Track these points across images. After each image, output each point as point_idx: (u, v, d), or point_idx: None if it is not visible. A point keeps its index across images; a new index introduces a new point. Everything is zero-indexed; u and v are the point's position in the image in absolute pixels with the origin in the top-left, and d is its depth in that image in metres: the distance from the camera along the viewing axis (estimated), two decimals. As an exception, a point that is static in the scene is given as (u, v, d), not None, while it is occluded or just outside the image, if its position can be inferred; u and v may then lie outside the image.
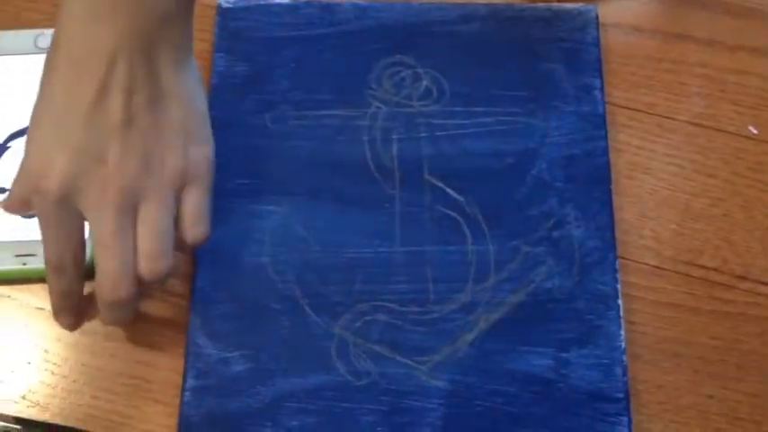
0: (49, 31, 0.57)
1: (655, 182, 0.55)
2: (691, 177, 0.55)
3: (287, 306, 0.51)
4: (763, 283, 0.52)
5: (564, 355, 0.49)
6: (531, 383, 0.49)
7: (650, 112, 0.56)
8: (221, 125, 0.54)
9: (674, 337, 0.52)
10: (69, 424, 0.50)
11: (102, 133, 0.44)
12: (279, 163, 0.54)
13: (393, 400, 0.49)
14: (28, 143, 0.45)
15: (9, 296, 0.53)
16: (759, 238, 0.53)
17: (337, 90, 0.55)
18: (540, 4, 0.57)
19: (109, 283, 0.45)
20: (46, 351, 0.51)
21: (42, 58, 0.57)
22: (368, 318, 0.51)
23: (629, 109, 0.56)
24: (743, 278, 0.53)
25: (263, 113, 0.55)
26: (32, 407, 0.50)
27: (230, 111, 0.55)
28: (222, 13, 0.57)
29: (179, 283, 0.52)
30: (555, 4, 0.57)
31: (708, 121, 0.56)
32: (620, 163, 0.55)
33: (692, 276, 0.53)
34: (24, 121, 0.55)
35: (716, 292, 0.52)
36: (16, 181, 0.46)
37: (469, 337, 0.50)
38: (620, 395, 0.49)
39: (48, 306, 0.52)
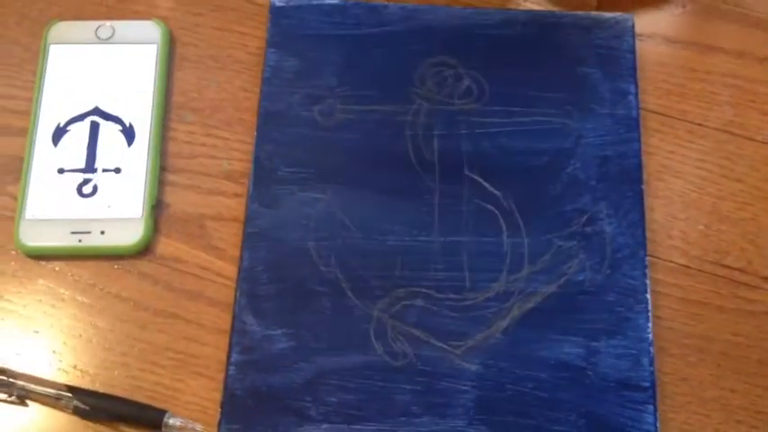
0: (109, 23, 0.60)
1: (684, 185, 0.57)
2: (719, 182, 0.57)
3: (328, 289, 0.53)
4: (786, 285, 0.55)
5: (594, 344, 0.52)
6: (562, 370, 0.51)
7: (682, 118, 0.59)
8: (272, 116, 0.57)
9: (699, 332, 0.54)
10: (117, 394, 0.52)
11: None
12: (325, 154, 0.56)
13: (428, 380, 0.51)
14: None
15: (63, 272, 0.55)
16: (784, 242, 0.56)
17: (382, 87, 0.58)
18: (580, 13, 0.60)
19: None
20: (96, 325, 0.54)
21: (102, 47, 0.60)
22: (406, 302, 0.53)
23: (661, 115, 0.59)
24: (767, 279, 0.55)
25: (311, 107, 0.57)
26: (83, 376, 0.53)
27: (281, 103, 0.57)
28: (275, 11, 0.60)
29: (226, 265, 0.55)
30: (594, 13, 0.60)
31: (737, 129, 0.58)
32: (651, 165, 0.57)
33: (717, 276, 0.55)
34: (83, 108, 0.58)
35: (740, 292, 0.54)
36: None
37: (503, 324, 0.52)
38: (647, 384, 0.51)
39: (99, 282, 0.55)
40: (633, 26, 0.59)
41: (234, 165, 0.58)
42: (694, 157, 0.58)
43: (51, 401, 0.52)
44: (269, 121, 0.57)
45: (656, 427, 0.50)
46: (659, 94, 0.59)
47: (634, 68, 0.58)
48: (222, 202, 0.57)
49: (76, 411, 0.51)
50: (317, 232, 0.54)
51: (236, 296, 0.53)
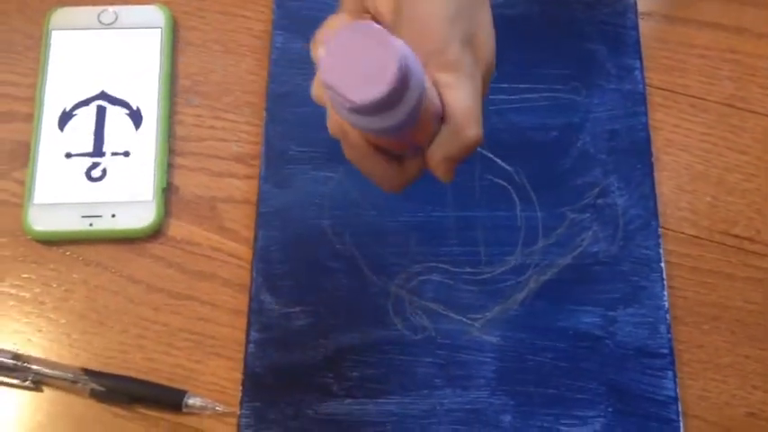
0: (112, 8, 0.60)
1: (690, 158, 0.58)
2: (724, 154, 0.58)
3: (345, 265, 0.53)
4: (794, 252, 0.55)
5: (611, 313, 0.52)
6: (580, 340, 0.51)
7: (685, 93, 0.59)
8: (281, 97, 0.57)
9: (713, 301, 0.54)
10: (134, 376, 0.52)
11: None
12: (336, 132, 0.56)
13: (448, 353, 0.51)
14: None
15: (75, 256, 0.55)
16: (790, 211, 0.56)
17: (390, 67, 0.58)
18: (582, -9, 0.61)
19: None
20: (108, 308, 0.53)
21: (105, 32, 0.60)
22: (422, 278, 0.53)
23: (665, 90, 0.59)
24: (775, 247, 0.56)
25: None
26: (98, 360, 0.52)
27: (289, 84, 0.57)
28: (279, -7, 0.60)
29: (238, 246, 0.55)
30: (595, -9, 0.61)
31: (739, 102, 0.59)
32: (657, 140, 0.58)
33: (727, 245, 0.56)
34: (88, 92, 0.58)
35: (750, 260, 0.55)
36: None
37: (520, 296, 0.53)
38: (665, 351, 0.51)
39: (112, 266, 0.54)
40: (636, 3, 0.60)
41: (243, 147, 0.57)
42: (699, 131, 0.59)
43: (67, 385, 0.51)
44: (278, 103, 0.57)
45: (676, 393, 0.50)
46: (662, 70, 0.60)
47: (638, 44, 0.59)
48: (233, 183, 0.57)
49: (93, 394, 0.51)
50: (331, 210, 0.54)
51: (252, 276, 0.53)
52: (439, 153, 0.41)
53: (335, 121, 0.42)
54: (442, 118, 0.40)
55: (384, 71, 0.35)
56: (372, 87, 0.35)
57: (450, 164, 0.41)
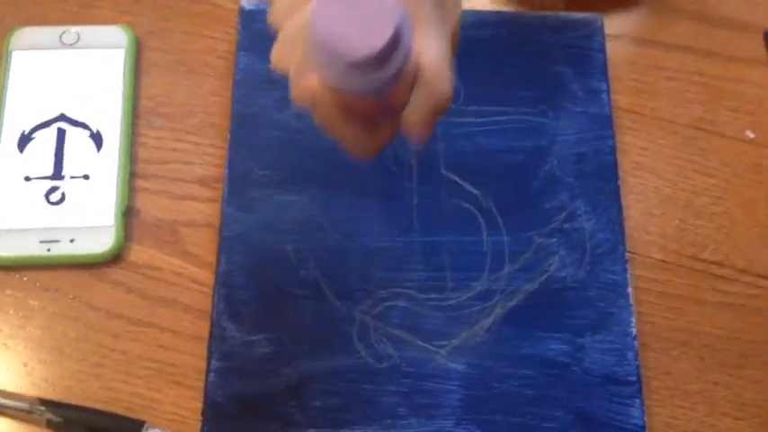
0: (75, 28, 0.59)
1: (658, 181, 0.57)
2: (692, 177, 0.58)
3: (309, 291, 0.52)
4: (763, 277, 0.55)
5: (578, 340, 0.51)
6: (547, 367, 0.51)
7: (653, 116, 0.59)
8: (245, 119, 0.56)
9: (681, 326, 0.54)
10: (92, 406, 0.50)
11: None
12: (300, 156, 0.55)
13: (413, 382, 0.50)
14: None
15: (32, 281, 0.53)
16: (758, 235, 0.56)
17: (356, 89, 0.57)
18: (549, 13, 0.60)
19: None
20: (67, 335, 0.52)
21: (66, 53, 0.59)
22: (388, 303, 0.52)
23: (633, 113, 0.59)
24: (744, 272, 0.55)
25: (285, 109, 0.56)
26: (55, 389, 0.51)
27: (254, 106, 0.56)
28: (245, 14, 0.59)
29: (201, 271, 0.54)
30: (563, 14, 0.60)
31: (707, 125, 0.59)
32: (625, 162, 0.57)
33: (695, 270, 0.55)
34: (49, 114, 0.57)
35: (718, 285, 0.55)
36: None
37: (486, 322, 0.52)
38: (633, 378, 0.51)
39: (70, 292, 0.53)
40: (603, 26, 0.60)
41: (207, 170, 0.57)
42: (667, 154, 0.58)
43: (23, 416, 0.50)
44: (242, 125, 0.56)
45: (644, 421, 0.50)
46: (630, 92, 0.60)
47: (605, 66, 0.58)
48: (195, 207, 0.56)
49: (50, 425, 0.49)
50: (295, 235, 0.53)
51: (213, 302, 0.52)
52: (415, 113, 0.41)
53: (304, 88, 0.41)
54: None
55: (382, 23, 0.34)
56: (371, 40, 0.34)
57: (426, 123, 0.41)
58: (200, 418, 0.49)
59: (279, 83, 0.56)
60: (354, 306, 0.52)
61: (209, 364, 0.50)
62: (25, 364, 0.51)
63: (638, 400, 0.50)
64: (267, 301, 0.52)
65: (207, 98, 0.58)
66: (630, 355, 0.51)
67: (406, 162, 0.55)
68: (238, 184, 0.54)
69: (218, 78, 0.59)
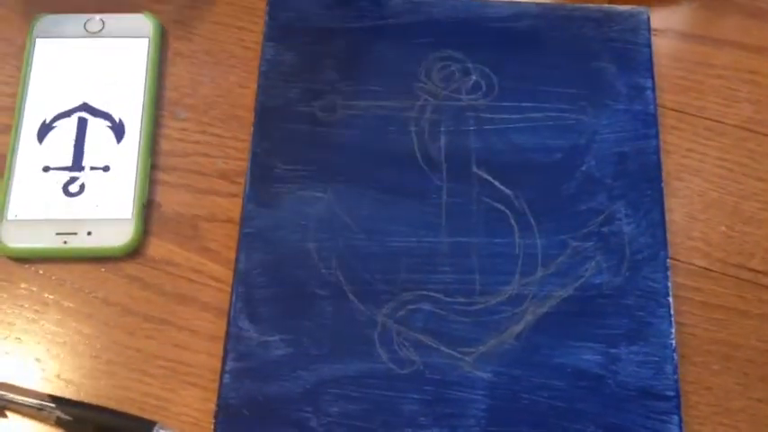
0: (99, 16, 0.58)
1: (704, 184, 0.54)
2: (740, 180, 0.54)
3: (330, 292, 0.50)
4: (814, 289, 0.52)
5: (613, 350, 0.48)
6: (580, 378, 0.48)
7: (700, 115, 0.56)
8: (270, 112, 0.54)
9: (724, 339, 0.50)
10: (103, 404, 0.49)
11: None
12: (326, 151, 0.53)
13: (436, 389, 0.48)
14: None
15: (48, 275, 0.52)
16: (810, 244, 0.53)
17: (386, 82, 0.55)
18: (591, 5, 0.57)
19: None
20: (80, 331, 0.51)
21: (90, 41, 0.58)
22: (412, 307, 0.50)
23: (678, 112, 0.56)
24: (794, 283, 0.52)
25: (311, 102, 0.54)
26: (67, 386, 0.49)
27: (279, 98, 0.54)
28: (273, 3, 0.57)
29: (220, 268, 0.52)
30: (606, 6, 0.57)
31: (757, 126, 0.56)
32: (669, 164, 0.54)
33: (742, 279, 0.52)
34: (70, 103, 0.55)
35: (766, 296, 0.51)
36: None
37: (516, 329, 0.49)
38: (672, 393, 0.47)
39: (86, 286, 0.52)
40: (648, 19, 0.56)
41: (229, 163, 0.55)
42: (714, 156, 0.55)
43: (33, 412, 0.48)
44: (266, 117, 0.54)
45: (682, 439, 0.47)
46: (676, 90, 0.56)
47: (650, 62, 0.55)
48: (216, 202, 0.54)
49: (59, 423, 0.48)
50: (318, 233, 0.51)
51: (231, 300, 0.50)
52: None
53: None
54: None
55: None
56: None
57: None
58: (213, 420, 0.47)
59: (305, 75, 0.55)
60: (377, 308, 0.49)
61: (224, 364, 0.48)
62: (37, 360, 0.50)
63: (676, 417, 0.47)
64: (286, 302, 0.50)
65: (232, 90, 0.57)
66: (669, 368, 0.48)
67: (436, 159, 0.53)
68: (260, 179, 0.52)
69: (244, 70, 0.57)
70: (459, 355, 0.49)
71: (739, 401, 0.49)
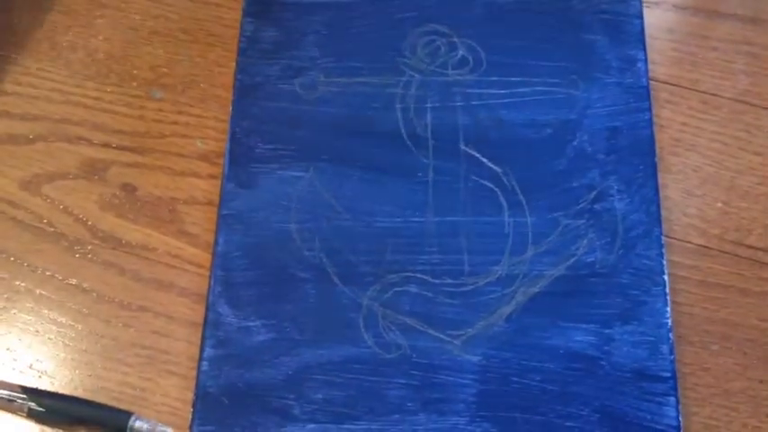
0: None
1: (699, 159, 0.52)
2: (737, 155, 0.53)
3: (313, 274, 0.48)
4: (815, 265, 0.50)
5: (607, 331, 0.47)
6: (573, 360, 0.46)
7: (694, 88, 0.54)
8: (249, 90, 0.53)
9: (722, 318, 0.49)
10: (78, 395, 0.47)
11: None
12: (308, 129, 0.51)
13: (424, 374, 0.46)
14: None
15: (18, 261, 0.50)
16: (810, 219, 0.51)
17: (369, 58, 0.53)
18: (581, -24, 0.56)
19: None
20: (54, 320, 0.49)
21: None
22: (398, 289, 0.48)
23: (672, 85, 0.54)
24: (794, 259, 0.50)
25: (292, 79, 0.52)
26: (40, 377, 0.47)
27: (258, 75, 0.53)
28: (251, -22, 0.55)
29: (199, 252, 0.50)
30: (596, -24, 0.55)
31: (754, 98, 0.54)
32: (663, 139, 0.53)
33: (740, 256, 0.50)
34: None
35: (765, 273, 0.50)
36: None
37: (506, 310, 0.47)
38: (668, 374, 0.46)
39: (59, 272, 0.50)
40: (640, -11, 0.55)
41: (208, 144, 0.53)
42: (709, 130, 0.53)
43: (4, 404, 0.46)
44: (245, 95, 0.52)
45: (679, 421, 0.45)
46: (669, 63, 0.55)
47: (642, 33, 0.53)
48: (195, 184, 0.52)
49: (31, 415, 0.46)
50: (300, 213, 0.49)
51: (210, 285, 0.48)
52: None
53: None
54: None
55: None
56: None
57: None
58: (191, 409, 0.45)
59: (286, 52, 0.53)
60: (362, 291, 0.48)
61: (202, 351, 0.46)
62: (9, 350, 0.48)
63: (672, 399, 0.45)
64: (267, 285, 0.48)
65: (211, 68, 0.55)
66: (665, 348, 0.46)
67: (422, 136, 0.51)
68: (240, 159, 0.51)
69: (223, 48, 0.55)
70: (447, 339, 0.47)
71: (739, 382, 0.47)
